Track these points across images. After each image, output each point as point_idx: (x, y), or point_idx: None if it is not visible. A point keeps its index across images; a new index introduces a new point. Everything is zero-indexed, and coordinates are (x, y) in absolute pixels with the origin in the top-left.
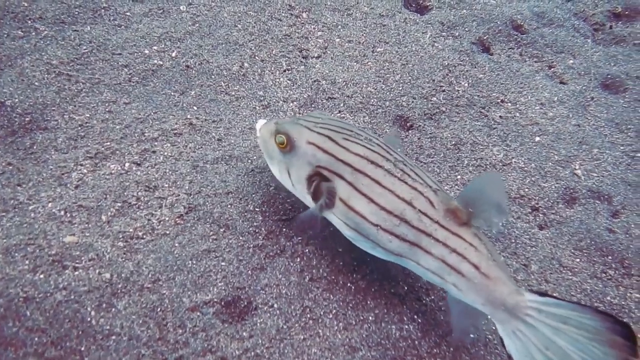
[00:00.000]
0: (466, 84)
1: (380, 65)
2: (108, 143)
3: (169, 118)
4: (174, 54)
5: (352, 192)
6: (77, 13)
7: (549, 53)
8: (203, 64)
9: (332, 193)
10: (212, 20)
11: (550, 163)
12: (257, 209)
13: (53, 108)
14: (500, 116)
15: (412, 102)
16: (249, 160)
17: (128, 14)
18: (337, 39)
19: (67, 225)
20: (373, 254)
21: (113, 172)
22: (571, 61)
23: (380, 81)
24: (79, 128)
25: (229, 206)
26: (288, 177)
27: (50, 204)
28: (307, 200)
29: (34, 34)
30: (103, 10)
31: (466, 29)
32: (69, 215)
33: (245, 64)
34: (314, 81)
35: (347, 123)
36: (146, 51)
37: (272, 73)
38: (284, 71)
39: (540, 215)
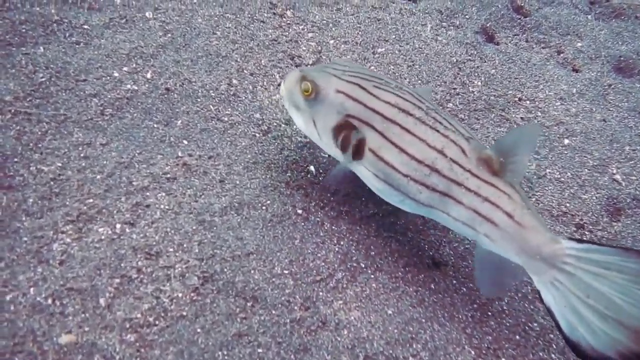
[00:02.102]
0: (479, 83)
1: (385, 69)
2: (90, 200)
3: (157, 158)
4: (149, 75)
5: (383, 142)
6: (24, 31)
7: (555, 36)
8: (185, 84)
9: (362, 143)
10: (186, 28)
11: (586, 170)
12: (285, 271)
13: (15, 159)
14: (521, 118)
15: None
16: (263, 207)
17: (86, 27)
18: (330, 40)
19: (59, 318)
20: (402, 207)
21: (103, 237)
22: (579, 44)
23: None
24: (52, 183)
25: (252, 271)
26: (314, 128)
27: (32, 290)
28: (334, 152)
29: None
30: (55, 25)
31: (467, 17)
32: (58, 303)
33: (234, 80)
34: None
35: (375, 72)
36: (115, 74)
37: (266, 89)
38: (279, 85)
39: (587, 233)
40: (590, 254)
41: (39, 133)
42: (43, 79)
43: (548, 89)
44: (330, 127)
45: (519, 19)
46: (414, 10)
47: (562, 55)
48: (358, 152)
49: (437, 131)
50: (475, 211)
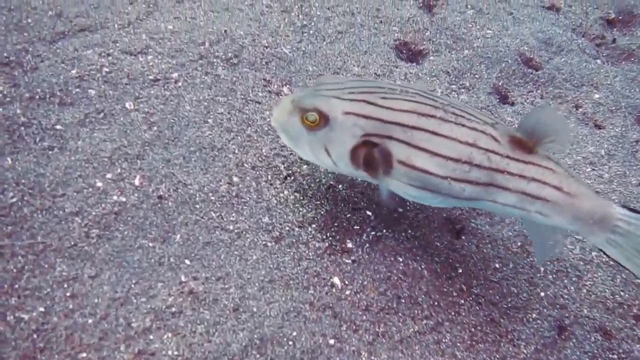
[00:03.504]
0: None
1: None
2: (84, 354)
3: (158, 287)
4: (137, 181)
5: (411, 151)
6: None
7: (571, 89)
8: (179, 189)
9: (388, 157)
10: (173, 119)
11: None
12: None
13: None
14: None
15: None
16: (290, 341)
17: (58, 127)
18: None
19: None
20: (442, 206)
21: None
22: (596, 95)
23: None
24: (35, 335)
25: None
26: (327, 156)
27: None
28: (355, 174)
29: None
30: (23, 129)
31: (476, 76)
32: None
33: (235, 178)
34: (328, 187)
35: (371, 81)
36: (98, 183)
37: (271, 184)
38: (285, 178)
39: None
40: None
41: (14, 270)
42: (14, 200)
43: (575, 152)
44: (347, 152)
45: (531, 73)
46: (419, 74)
47: (580, 109)
48: (385, 167)
49: (464, 125)
50: (523, 193)
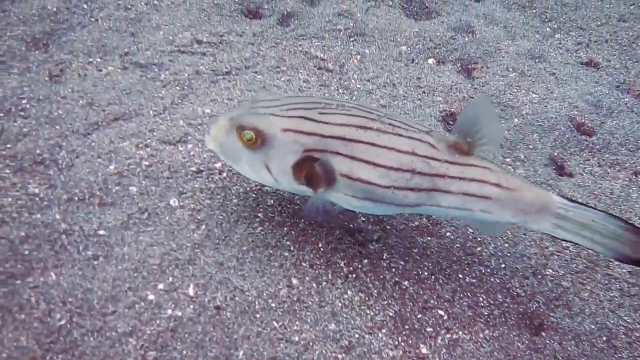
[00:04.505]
0: None
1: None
2: None
3: None
4: (191, 291)
5: (353, 164)
6: (27, 253)
7: (627, 155)
8: (237, 296)
9: (330, 172)
10: (221, 215)
11: None
12: None
13: None
14: (629, 272)
15: (526, 283)
16: None
17: (101, 232)
18: None
19: None
20: (386, 214)
21: None
22: None
23: None
24: None
25: None
26: (268, 173)
27: None
28: (297, 189)
29: None
30: (65, 237)
31: (530, 147)
32: None
33: (294, 280)
34: (394, 284)
35: (306, 96)
36: (150, 296)
37: (333, 284)
38: (347, 277)
39: None
40: (577, 210)
41: None
42: (62, 322)
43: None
44: (289, 168)
45: (585, 140)
46: None
47: None
48: (328, 181)
49: (401, 135)
50: (466, 194)
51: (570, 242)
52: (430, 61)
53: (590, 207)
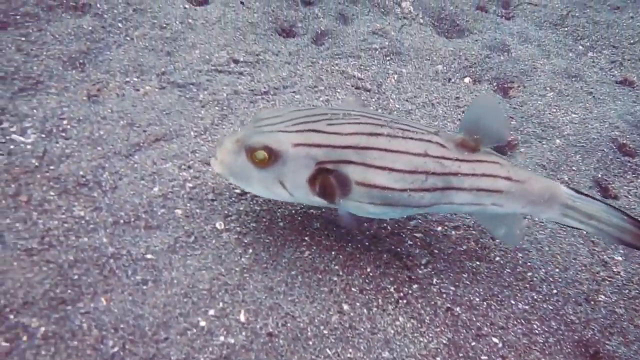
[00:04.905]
0: (620, 258)
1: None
2: None
3: None
4: (242, 317)
5: (367, 170)
6: (76, 277)
7: None
8: (288, 322)
9: (345, 181)
10: (268, 238)
11: None
12: None
13: None
14: None
15: (579, 309)
16: None
17: (149, 256)
18: (438, 227)
19: None
20: (401, 217)
21: None
22: None
23: None
24: None
25: None
26: (282, 189)
27: None
28: (312, 201)
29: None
30: (112, 261)
31: (574, 169)
32: None
33: (345, 306)
34: (446, 310)
35: (310, 108)
36: (202, 322)
37: (384, 310)
38: (397, 302)
39: None
40: (584, 200)
41: None
42: (115, 349)
43: None
44: (303, 182)
45: (628, 161)
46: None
47: None
48: (343, 191)
49: (412, 138)
50: (478, 189)
51: (577, 228)
52: (466, 80)
53: (596, 198)
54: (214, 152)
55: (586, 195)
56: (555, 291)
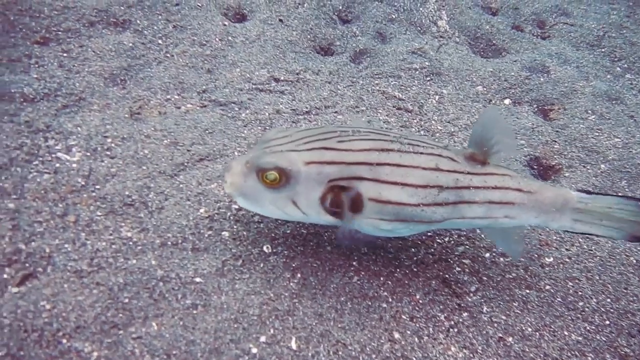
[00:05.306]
0: None
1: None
2: None
3: None
4: (294, 344)
5: (380, 186)
6: (127, 301)
7: None
8: (340, 350)
9: (358, 197)
10: (315, 263)
11: None
12: None
13: None
14: None
15: (632, 342)
16: None
17: (198, 280)
18: (486, 253)
19: None
20: (411, 234)
21: None
22: None
23: None
24: None
25: None
26: (295, 209)
27: None
28: (324, 220)
29: None
30: (162, 284)
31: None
32: None
33: (395, 334)
34: (497, 340)
35: (319, 127)
36: (253, 349)
37: (435, 339)
38: (448, 330)
39: None
40: (595, 199)
41: None
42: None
43: None
44: (316, 200)
45: None
46: None
47: None
48: (355, 208)
49: (422, 153)
50: (490, 202)
51: (587, 234)
52: (507, 101)
53: (607, 193)
54: (223, 174)
55: (597, 193)
56: (607, 322)
